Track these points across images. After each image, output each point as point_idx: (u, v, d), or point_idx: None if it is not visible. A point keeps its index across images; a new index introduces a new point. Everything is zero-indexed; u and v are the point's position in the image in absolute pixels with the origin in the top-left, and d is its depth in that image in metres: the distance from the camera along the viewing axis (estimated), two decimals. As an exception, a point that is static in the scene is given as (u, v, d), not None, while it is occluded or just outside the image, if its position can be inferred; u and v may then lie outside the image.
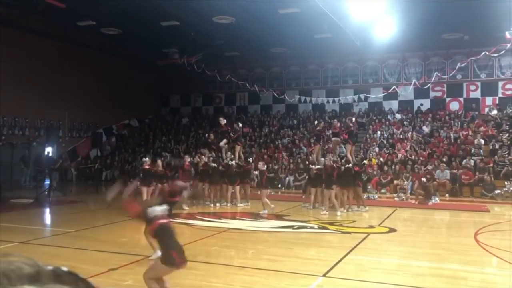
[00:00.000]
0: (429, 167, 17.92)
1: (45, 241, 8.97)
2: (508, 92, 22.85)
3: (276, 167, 20.05)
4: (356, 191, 13.52)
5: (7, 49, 19.53)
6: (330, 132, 17.73)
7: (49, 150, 21.63)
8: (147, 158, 14.00)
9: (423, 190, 15.39)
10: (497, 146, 19.03)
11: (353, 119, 16.52)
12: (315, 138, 17.27)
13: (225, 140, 15.66)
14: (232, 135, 15.77)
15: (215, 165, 14.67)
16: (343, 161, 14.14)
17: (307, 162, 16.90)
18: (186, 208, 13.37)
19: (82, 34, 22.34)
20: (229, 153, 15.75)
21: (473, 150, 19.08)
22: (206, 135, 16.78)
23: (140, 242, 8.64)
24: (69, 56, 22.90)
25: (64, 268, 0.65)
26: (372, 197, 16.49)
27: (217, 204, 14.40)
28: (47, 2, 16.56)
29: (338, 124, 16.43)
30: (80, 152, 24.75)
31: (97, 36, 22.92)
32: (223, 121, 15.90)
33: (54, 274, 0.61)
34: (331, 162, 13.04)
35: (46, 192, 16.26)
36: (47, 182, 18.70)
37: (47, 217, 13.20)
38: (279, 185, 19.51)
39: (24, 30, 20.48)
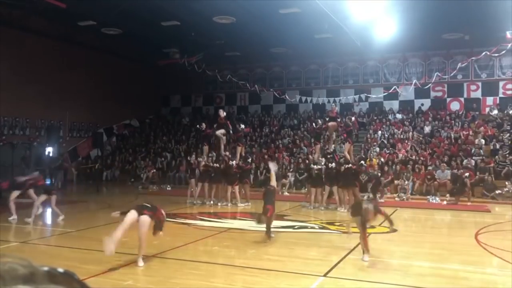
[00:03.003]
0: (430, 167, 17.89)
1: (45, 241, 8.98)
2: (509, 92, 22.84)
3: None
4: (354, 191, 13.49)
5: (8, 49, 19.53)
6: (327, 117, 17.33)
7: (49, 150, 21.63)
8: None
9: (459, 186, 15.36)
10: (497, 146, 19.02)
11: (353, 118, 16.47)
12: (315, 137, 17.21)
13: (222, 130, 15.55)
14: (231, 127, 15.71)
15: (217, 165, 14.78)
16: (341, 160, 14.15)
17: (307, 161, 16.91)
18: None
19: (82, 34, 22.35)
20: (227, 152, 15.73)
21: (473, 150, 19.06)
22: (198, 126, 16.68)
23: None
24: (69, 56, 22.91)
25: (60, 269, 0.65)
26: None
27: (218, 204, 14.44)
28: (47, 2, 16.55)
29: (336, 109, 16.27)
30: (81, 152, 24.76)
31: (97, 36, 22.93)
32: (222, 114, 15.77)
33: (48, 275, 0.61)
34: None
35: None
36: (48, 182, 18.68)
37: (48, 217, 13.20)
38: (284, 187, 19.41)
39: (25, 30, 20.48)
